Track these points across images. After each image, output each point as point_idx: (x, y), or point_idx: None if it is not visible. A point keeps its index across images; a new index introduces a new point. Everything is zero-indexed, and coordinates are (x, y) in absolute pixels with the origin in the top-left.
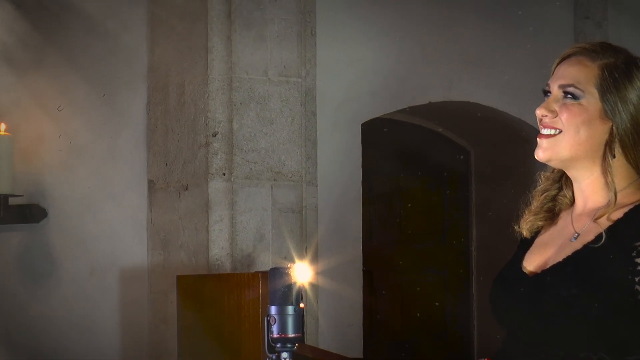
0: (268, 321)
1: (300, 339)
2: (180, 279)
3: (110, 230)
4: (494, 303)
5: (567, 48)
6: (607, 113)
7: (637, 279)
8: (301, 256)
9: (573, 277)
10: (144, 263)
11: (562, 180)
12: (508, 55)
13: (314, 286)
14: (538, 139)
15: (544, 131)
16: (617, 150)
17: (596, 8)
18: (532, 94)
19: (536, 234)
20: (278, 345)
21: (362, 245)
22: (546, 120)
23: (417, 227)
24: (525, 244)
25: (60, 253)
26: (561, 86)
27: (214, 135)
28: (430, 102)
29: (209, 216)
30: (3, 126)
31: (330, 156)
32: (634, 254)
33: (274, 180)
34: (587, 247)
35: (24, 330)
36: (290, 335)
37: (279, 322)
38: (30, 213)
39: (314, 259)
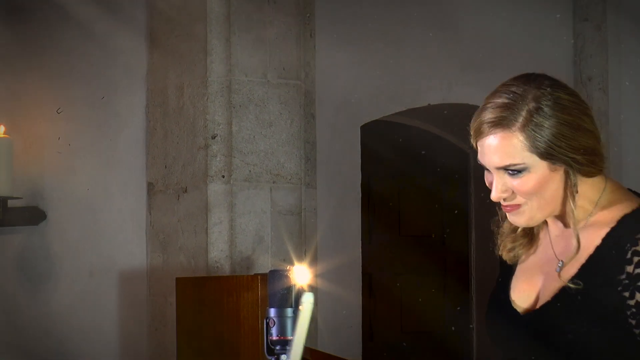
0: (267, 323)
1: None
2: (180, 281)
3: (109, 232)
4: (491, 328)
5: (483, 113)
6: (554, 163)
7: (628, 313)
8: (300, 258)
9: (565, 318)
10: (143, 265)
11: None
12: (507, 57)
13: (313, 288)
14: (506, 213)
15: (508, 210)
16: (579, 182)
17: (595, 11)
18: None
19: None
20: (277, 347)
21: (361, 247)
22: (505, 202)
23: (416, 229)
24: (508, 267)
25: (60, 255)
26: (499, 168)
27: (213, 137)
28: (429, 104)
29: (208, 218)
30: (2, 128)
31: (330, 158)
32: (619, 289)
33: (273, 182)
34: (573, 283)
35: (23, 331)
36: (290, 337)
37: (278, 325)
38: (29, 215)
39: (313, 261)
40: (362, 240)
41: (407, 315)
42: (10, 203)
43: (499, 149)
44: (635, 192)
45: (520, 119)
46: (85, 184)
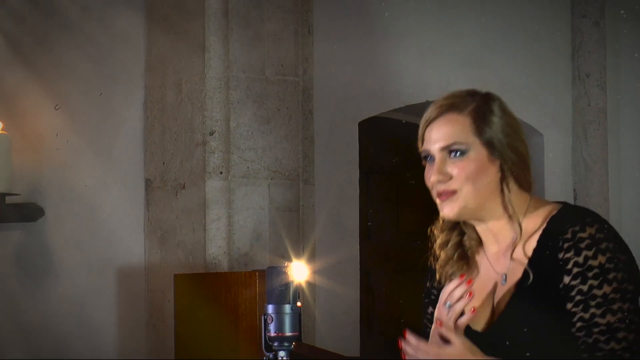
0: (265, 320)
1: (297, 338)
2: (178, 278)
3: (107, 228)
4: None
5: (439, 100)
6: (493, 154)
7: (568, 294)
8: (298, 255)
9: (523, 321)
10: (141, 261)
11: (459, 225)
12: (505, 54)
13: (311, 285)
14: (439, 200)
15: (443, 198)
16: (511, 182)
17: (594, 7)
18: (529, 93)
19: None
20: (275, 344)
21: (360, 243)
22: (441, 187)
23: (414, 225)
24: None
25: (58, 251)
26: (444, 148)
27: (211, 134)
28: (427, 100)
29: (206, 215)
30: (0, 125)
31: (328, 155)
32: (558, 277)
33: (271, 178)
34: (520, 287)
35: (21, 328)
36: (288, 334)
37: (276, 321)
38: (27, 212)
39: (311, 258)
40: (360, 236)
41: (405, 312)
42: (8, 199)
43: (448, 129)
44: (556, 201)
45: (470, 107)
46: (83, 180)
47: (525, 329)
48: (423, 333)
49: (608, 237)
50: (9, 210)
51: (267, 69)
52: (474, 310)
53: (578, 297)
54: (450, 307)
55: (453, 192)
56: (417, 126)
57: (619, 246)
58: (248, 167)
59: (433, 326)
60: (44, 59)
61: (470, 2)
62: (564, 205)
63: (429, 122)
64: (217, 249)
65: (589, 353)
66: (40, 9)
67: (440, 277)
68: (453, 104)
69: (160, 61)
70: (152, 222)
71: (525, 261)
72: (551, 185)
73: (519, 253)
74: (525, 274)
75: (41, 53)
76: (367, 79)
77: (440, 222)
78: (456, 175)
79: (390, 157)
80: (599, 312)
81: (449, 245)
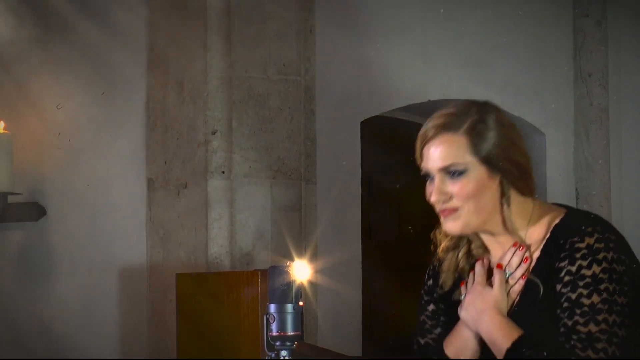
0: (267, 319)
1: (299, 337)
2: (180, 277)
3: (109, 228)
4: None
5: (434, 118)
6: (492, 170)
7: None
8: (300, 254)
9: (522, 327)
10: (143, 261)
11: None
12: (507, 53)
13: (313, 284)
14: (442, 217)
15: (445, 214)
16: (512, 195)
17: (595, 6)
18: (531, 93)
19: (456, 285)
20: (277, 343)
21: (362, 243)
22: (442, 206)
23: (416, 225)
24: (450, 305)
25: (60, 251)
26: (442, 169)
27: (213, 133)
28: (429, 100)
29: (208, 214)
30: (2, 124)
31: (330, 154)
32: (559, 286)
33: (273, 178)
34: (522, 295)
35: (23, 327)
36: (290, 333)
37: (278, 320)
38: (29, 211)
39: (313, 257)
40: (362, 236)
41: (407, 312)
42: (10, 199)
43: (444, 150)
44: (559, 205)
45: (465, 125)
46: (85, 179)
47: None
48: (421, 330)
49: (607, 247)
50: (11, 210)
51: (269, 68)
52: (525, 276)
53: (565, 304)
54: (511, 275)
55: (455, 210)
56: (418, 125)
57: (619, 256)
58: (250, 167)
59: (478, 269)
60: (45, 59)
61: (472, 2)
62: (568, 211)
63: (426, 142)
64: (219, 249)
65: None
66: (42, 8)
67: (444, 282)
68: (448, 123)
69: (162, 60)
70: (154, 222)
71: (529, 269)
72: (553, 184)
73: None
74: (527, 282)
75: (43, 52)
76: (369, 79)
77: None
78: (456, 194)
79: (392, 156)
80: (582, 320)
81: (460, 254)
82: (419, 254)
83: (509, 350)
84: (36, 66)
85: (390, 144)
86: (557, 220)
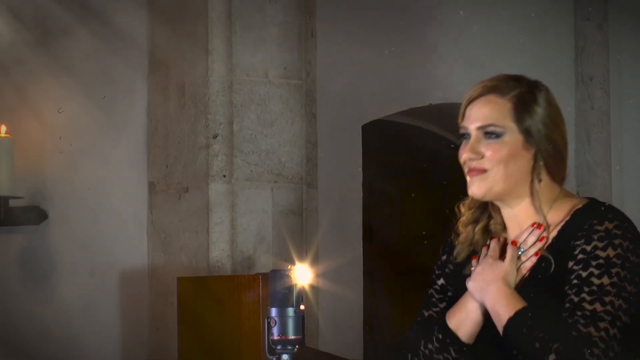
0: (268, 323)
1: (300, 341)
2: (181, 281)
3: (110, 232)
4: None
5: (485, 81)
6: (529, 142)
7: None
8: (301, 258)
9: (543, 285)
10: (145, 265)
11: (489, 206)
12: (508, 57)
13: (314, 288)
14: (468, 177)
15: (472, 174)
16: (543, 173)
17: (597, 10)
18: None
19: (468, 258)
20: (278, 347)
21: (363, 246)
22: (473, 164)
23: (417, 229)
24: (461, 279)
25: (61, 255)
26: (480, 128)
27: (215, 137)
28: (430, 104)
29: (210, 218)
30: (4, 128)
31: (331, 158)
32: (571, 264)
33: (275, 182)
34: (533, 271)
35: (24, 331)
36: (291, 337)
37: (279, 324)
38: (30, 215)
39: (315, 261)
40: (363, 239)
41: (408, 315)
42: (12, 202)
43: (487, 110)
44: (585, 197)
45: (513, 92)
46: (87, 183)
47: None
48: (427, 303)
49: (625, 236)
50: (13, 214)
51: (271, 72)
52: (537, 254)
53: (575, 281)
54: (524, 252)
55: (483, 171)
56: (419, 129)
57: (635, 249)
58: (251, 171)
59: (492, 245)
60: (46, 62)
61: (474, 6)
62: (591, 200)
63: (471, 101)
64: (220, 252)
65: (567, 332)
66: (43, 13)
67: (458, 253)
68: (496, 86)
69: (163, 64)
70: (156, 225)
71: (545, 252)
72: None
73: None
74: (540, 259)
75: (44, 57)
76: (370, 82)
77: (469, 200)
78: (489, 156)
79: (393, 160)
80: (589, 298)
81: (477, 227)
82: (420, 258)
83: (510, 319)
84: (37, 70)
85: (392, 147)
86: (579, 206)
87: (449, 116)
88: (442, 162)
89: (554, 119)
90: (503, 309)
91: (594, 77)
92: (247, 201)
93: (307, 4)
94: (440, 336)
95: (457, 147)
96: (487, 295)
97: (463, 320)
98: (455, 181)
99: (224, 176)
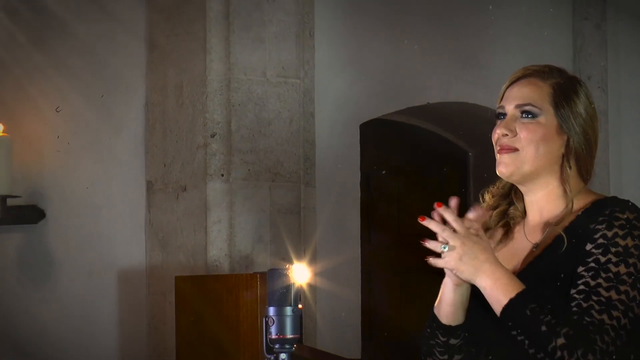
0: (266, 322)
1: (298, 340)
2: (179, 280)
3: (108, 231)
4: (475, 313)
5: (529, 65)
6: (563, 128)
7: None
8: (299, 257)
9: (535, 279)
10: (142, 264)
11: (512, 194)
12: (506, 56)
13: (312, 287)
14: (498, 155)
15: (503, 152)
16: (572, 162)
17: (595, 9)
18: None
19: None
20: (276, 346)
21: (361, 246)
22: (505, 140)
23: (415, 228)
24: None
25: (59, 254)
26: (518, 106)
27: (212, 136)
28: (428, 103)
29: (207, 217)
30: (1, 127)
31: (329, 157)
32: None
33: (273, 181)
34: (546, 250)
35: (22, 331)
36: (289, 336)
37: (277, 323)
38: (28, 214)
39: (312, 260)
40: (361, 238)
41: (406, 314)
42: (9, 201)
43: (528, 90)
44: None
45: (555, 79)
46: (85, 182)
47: (532, 288)
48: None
49: None
50: (10, 213)
51: (268, 71)
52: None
53: (592, 264)
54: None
55: (515, 149)
56: (417, 128)
57: None
58: (249, 170)
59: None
60: (44, 62)
61: (472, 5)
62: (614, 196)
63: (513, 82)
64: (218, 251)
65: (578, 316)
66: (41, 11)
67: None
68: (540, 70)
69: (161, 63)
70: (153, 225)
71: (561, 227)
72: None
73: (559, 226)
74: (555, 240)
75: (42, 55)
76: (368, 81)
77: (495, 186)
78: (523, 135)
79: (391, 159)
80: (605, 285)
81: (497, 211)
82: (418, 257)
83: (512, 300)
84: (35, 69)
85: (390, 146)
86: (601, 198)
87: (446, 115)
88: (440, 161)
89: (591, 114)
90: (502, 288)
91: (592, 77)
92: (245, 200)
93: (305, 3)
94: (429, 322)
95: (455, 145)
96: (481, 274)
97: (440, 302)
98: (453, 181)
99: (222, 175)
